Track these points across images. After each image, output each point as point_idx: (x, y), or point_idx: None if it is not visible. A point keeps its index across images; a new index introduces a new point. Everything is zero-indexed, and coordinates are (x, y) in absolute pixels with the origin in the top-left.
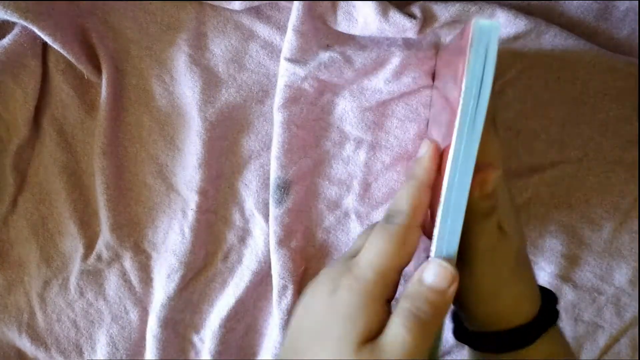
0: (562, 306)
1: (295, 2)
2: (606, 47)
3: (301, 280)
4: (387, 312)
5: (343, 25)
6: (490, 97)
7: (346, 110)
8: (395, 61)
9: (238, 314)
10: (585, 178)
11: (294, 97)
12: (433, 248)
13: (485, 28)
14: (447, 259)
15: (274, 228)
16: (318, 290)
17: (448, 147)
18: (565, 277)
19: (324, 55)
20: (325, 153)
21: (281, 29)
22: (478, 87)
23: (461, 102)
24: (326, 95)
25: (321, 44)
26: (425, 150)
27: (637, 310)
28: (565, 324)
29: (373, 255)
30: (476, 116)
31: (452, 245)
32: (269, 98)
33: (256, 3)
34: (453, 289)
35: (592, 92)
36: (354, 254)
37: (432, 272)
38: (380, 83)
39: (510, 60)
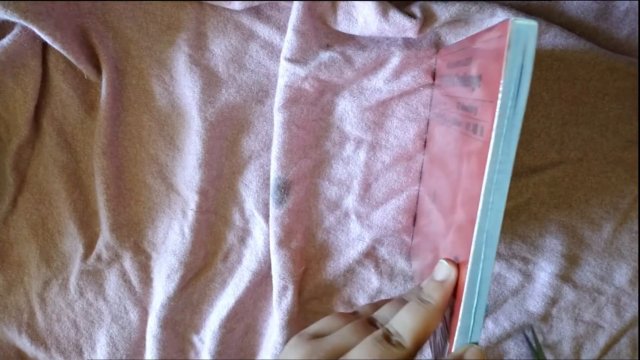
0: (562, 306)
1: (295, 2)
2: (606, 47)
3: (301, 281)
4: None
5: (343, 25)
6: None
7: (346, 110)
8: (395, 61)
9: (238, 314)
10: (585, 178)
11: (294, 98)
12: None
13: (523, 28)
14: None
15: (274, 228)
16: None
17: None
18: (565, 277)
19: (324, 55)
20: (325, 153)
21: (281, 29)
22: (516, 88)
23: (499, 104)
24: (326, 95)
25: (321, 43)
26: (447, 274)
27: (637, 310)
28: (565, 324)
29: None
30: (514, 118)
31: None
32: (269, 98)
33: (256, 3)
34: None
35: (592, 92)
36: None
37: None
38: (380, 82)
39: None
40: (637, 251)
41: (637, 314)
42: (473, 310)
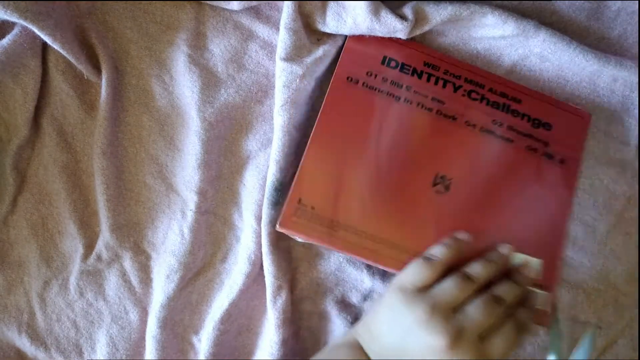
0: (560, 307)
1: (286, 1)
2: (597, 46)
3: (293, 280)
4: None
5: (332, 25)
6: None
7: None
8: None
9: (231, 316)
10: (578, 180)
11: (294, 99)
12: None
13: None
14: None
15: (268, 230)
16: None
17: None
18: (563, 278)
19: (318, 50)
20: None
21: None
22: None
23: None
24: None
25: (312, 39)
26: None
27: (636, 311)
28: (564, 324)
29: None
30: None
31: None
32: (268, 98)
33: (254, 3)
34: None
35: (582, 95)
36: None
37: None
38: None
39: (496, 60)
40: (631, 252)
41: (635, 314)
42: None
